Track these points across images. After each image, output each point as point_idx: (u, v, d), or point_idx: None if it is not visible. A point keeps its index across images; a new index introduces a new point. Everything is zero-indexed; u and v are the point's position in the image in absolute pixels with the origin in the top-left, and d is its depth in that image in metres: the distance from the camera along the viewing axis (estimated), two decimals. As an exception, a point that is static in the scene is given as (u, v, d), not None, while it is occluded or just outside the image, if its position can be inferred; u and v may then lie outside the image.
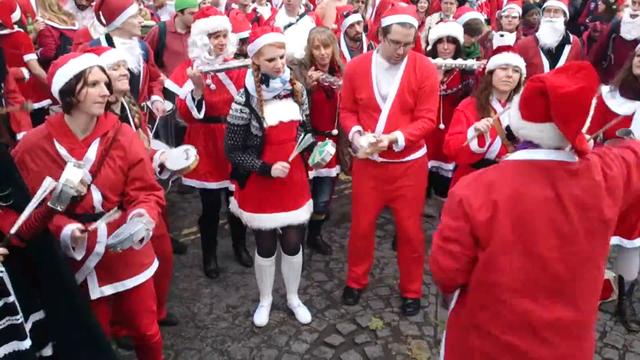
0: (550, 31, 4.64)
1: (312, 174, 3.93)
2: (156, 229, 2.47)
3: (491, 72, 3.29)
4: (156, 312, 2.86)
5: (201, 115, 3.63)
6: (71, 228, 2.28)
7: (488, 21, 6.42)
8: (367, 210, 3.62)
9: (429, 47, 4.33)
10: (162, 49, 4.93)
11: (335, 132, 3.90)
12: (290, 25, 5.13)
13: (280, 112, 3.14)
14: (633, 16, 4.91)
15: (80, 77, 2.27)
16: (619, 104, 3.33)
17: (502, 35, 4.45)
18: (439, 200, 4.56)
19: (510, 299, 1.80)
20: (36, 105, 4.76)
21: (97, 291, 2.53)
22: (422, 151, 3.54)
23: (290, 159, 3.15)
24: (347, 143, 3.99)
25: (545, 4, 4.90)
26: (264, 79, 3.06)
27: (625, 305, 3.69)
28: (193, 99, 3.58)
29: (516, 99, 1.84)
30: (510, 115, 1.87)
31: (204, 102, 3.62)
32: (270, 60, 3.01)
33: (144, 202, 2.45)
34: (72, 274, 2.37)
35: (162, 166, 3.17)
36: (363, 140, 3.22)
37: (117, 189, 2.45)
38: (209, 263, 4.22)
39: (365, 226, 3.66)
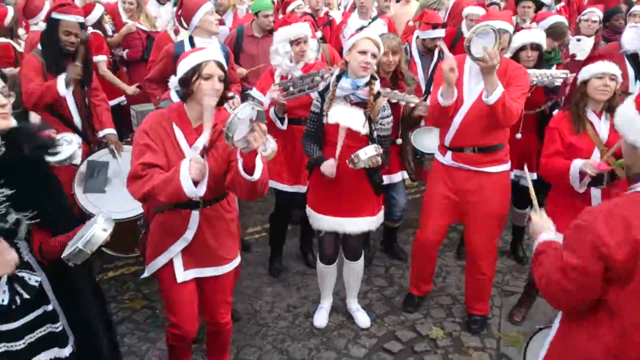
0: (634, 36, 4.39)
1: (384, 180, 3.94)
2: None
3: (585, 82, 3.11)
4: (231, 303, 2.99)
5: (284, 127, 3.76)
6: (188, 159, 2.32)
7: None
8: (434, 216, 3.52)
9: (510, 55, 4.13)
10: (239, 52, 5.08)
11: (399, 141, 3.85)
12: (362, 28, 5.13)
13: (343, 115, 3.15)
14: None
15: (196, 69, 2.44)
16: None
17: (579, 40, 4.26)
18: (515, 212, 4.37)
19: None
20: (111, 103, 4.91)
21: (182, 274, 2.68)
22: (504, 166, 3.37)
23: (336, 155, 3.12)
24: (412, 150, 3.97)
25: (632, 9, 4.65)
26: (339, 77, 3.12)
27: None
28: (276, 113, 3.71)
29: None
30: None
31: (285, 113, 3.74)
32: (363, 52, 3.04)
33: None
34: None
35: None
36: (480, 43, 2.93)
37: (218, 178, 2.54)
38: (274, 261, 4.32)
39: (429, 233, 3.56)
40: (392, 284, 4.16)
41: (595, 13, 5.06)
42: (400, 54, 3.76)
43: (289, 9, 5.71)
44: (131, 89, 5.31)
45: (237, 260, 2.85)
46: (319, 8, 6.39)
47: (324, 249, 3.56)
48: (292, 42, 3.74)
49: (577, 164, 2.97)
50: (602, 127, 3.10)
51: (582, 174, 2.95)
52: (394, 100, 3.56)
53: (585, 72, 3.10)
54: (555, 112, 3.52)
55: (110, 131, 4.06)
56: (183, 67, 2.48)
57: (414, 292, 3.85)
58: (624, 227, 1.62)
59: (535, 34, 3.93)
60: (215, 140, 2.51)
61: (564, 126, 3.14)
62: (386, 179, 3.98)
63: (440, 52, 4.62)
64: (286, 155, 3.90)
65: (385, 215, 4.35)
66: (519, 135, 3.71)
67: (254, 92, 3.99)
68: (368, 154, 3.01)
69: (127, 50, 5.56)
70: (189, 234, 2.62)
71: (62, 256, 2.08)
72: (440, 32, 4.56)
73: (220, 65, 2.49)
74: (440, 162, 3.46)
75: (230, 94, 4.22)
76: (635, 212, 1.64)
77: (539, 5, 5.89)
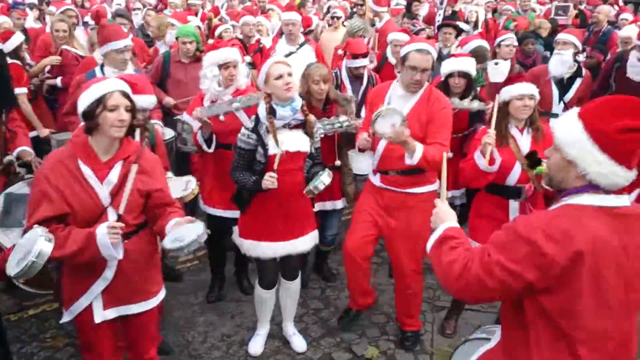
0: (558, 63, 4.70)
1: (317, 207, 3.96)
2: None
3: (507, 103, 3.29)
4: (156, 338, 2.88)
5: (212, 150, 3.71)
6: (104, 226, 2.33)
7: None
8: (360, 227, 3.55)
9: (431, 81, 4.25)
10: (166, 78, 5.04)
11: (337, 163, 3.90)
12: (290, 54, 5.24)
13: (287, 141, 3.15)
14: None
15: (100, 100, 2.35)
16: None
17: (496, 64, 4.50)
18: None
19: (585, 353, 1.72)
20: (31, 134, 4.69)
21: (101, 315, 2.56)
22: (430, 187, 3.47)
23: (275, 167, 3.08)
24: (350, 174, 4.01)
25: (557, 37, 4.99)
26: (272, 109, 3.09)
27: None
28: (202, 135, 3.67)
29: (593, 152, 1.69)
30: (597, 172, 1.71)
31: (214, 135, 3.69)
32: (279, 77, 3.05)
33: (174, 213, 2.54)
34: None
35: None
36: (387, 119, 3.09)
37: (134, 211, 2.49)
38: (213, 288, 4.23)
39: (354, 242, 3.55)
40: (328, 305, 4.16)
41: (514, 38, 5.39)
42: (330, 81, 3.83)
43: (217, 33, 5.74)
44: (44, 132, 4.96)
45: (162, 293, 2.76)
46: (251, 35, 6.47)
47: (264, 274, 3.50)
48: (220, 67, 3.74)
49: (478, 153, 3.15)
50: (523, 142, 3.29)
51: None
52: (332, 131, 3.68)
53: (506, 93, 3.29)
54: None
55: (24, 148, 3.86)
56: (86, 99, 2.38)
57: (352, 305, 3.85)
58: (564, 238, 1.66)
59: (464, 62, 4.09)
60: (127, 173, 2.45)
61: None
62: (329, 205, 4.04)
63: (370, 78, 4.76)
64: (217, 178, 3.85)
65: (319, 239, 4.40)
66: (450, 154, 3.83)
67: (185, 116, 3.94)
68: (326, 182, 3.08)
69: (61, 78, 5.37)
70: (109, 273, 2.50)
71: (12, 274, 2.07)
72: (364, 61, 4.66)
73: (125, 94, 2.42)
74: (371, 182, 3.56)
75: (153, 121, 4.20)
76: (575, 224, 1.68)
77: (459, 31, 6.22)
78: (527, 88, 3.26)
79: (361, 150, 3.53)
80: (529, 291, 1.73)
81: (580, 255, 1.64)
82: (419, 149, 3.14)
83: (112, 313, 2.58)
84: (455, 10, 7.27)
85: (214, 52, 3.79)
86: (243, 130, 3.18)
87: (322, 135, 3.58)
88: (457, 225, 2.03)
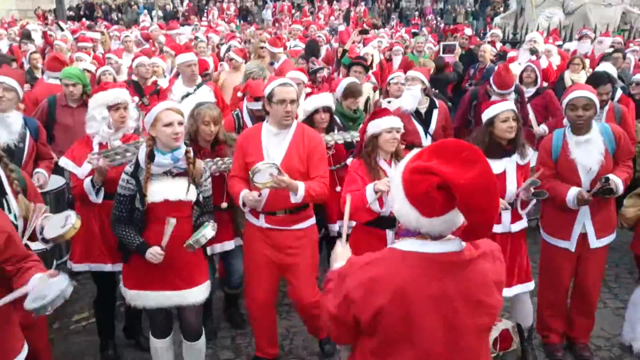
0: (407, 98, 4.92)
1: (216, 249, 3.83)
2: (26, 317, 2.23)
3: (376, 136, 3.37)
4: None
5: (99, 200, 3.46)
6: None
7: (380, 90, 6.80)
8: (257, 276, 3.51)
9: (303, 118, 4.25)
10: (52, 123, 4.72)
11: (224, 205, 3.74)
12: (188, 95, 5.11)
13: (168, 190, 3.01)
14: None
15: None
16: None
17: (389, 102, 4.67)
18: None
19: None
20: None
21: None
22: (312, 221, 3.56)
23: (163, 243, 2.95)
24: (241, 213, 3.90)
25: (407, 74, 5.28)
26: (152, 154, 2.96)
27: (527, 352, 3.80)
28: (93, 184, 3.41)
29: (400, 196, 1.68)
30: (398, 212, 1.71)
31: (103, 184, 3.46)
32: (168, 124, 2.93)
33: (34, 268, 2.31)
34: None
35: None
36: (264, 172, 3.13)
37: None
38: (106, 349, 3.87)
39: (256, 293, 3.53)
40: (239, 354, 3.97)
41: (402, 77, 5.63)
42: (220, 123, 3.76)
43: (97, 75, 5.56)
44: None
45: (25, 351, 2.44)
46: (147, 76, 6.28)
47: (154, 323, 3.28)
48: (110, 108, 3.57)
49: (370, 185, 3.20)
50: (392, 173, 3.35)
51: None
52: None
53: (375, 127, 3.36)
54: None
55: None
56: None
57: (259, 354, 3.72)
58: (371, 290, 1.66)
59: (324, 98, 4.26)
60: None
61: (363, 171, 3.36)
62: (219, 248, 3.88)
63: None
64: (103, 231, 3.58)
65: (225, 282, 4.24)
66: (338, 188, 3.88)
67: (63, 160, 3.63)
68: (208, 236, 2.96)
69: None
70: None
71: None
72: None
73: None
74: (254, 224, 3.49)
75: (36, 170, 3.89)
76: (388, 273, 1.66)
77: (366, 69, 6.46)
78: (394, 121, 3.38)
79: (252, 211, 3.47)
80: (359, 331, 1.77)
81: (381, 310, 1.65)
82: (302, 186, 3.24)
83: None
84: (346, 50, 7.58)
85: (102, 92, 3.63)
86: (123, 175, 3.03)
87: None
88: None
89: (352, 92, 4.85)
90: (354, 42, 8.50)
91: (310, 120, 4.18)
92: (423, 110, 4.96)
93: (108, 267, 3.64)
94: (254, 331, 3.72)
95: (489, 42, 10.30)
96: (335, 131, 4.26)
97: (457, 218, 1.65)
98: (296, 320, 4.38)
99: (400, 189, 1.67)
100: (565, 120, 3.69)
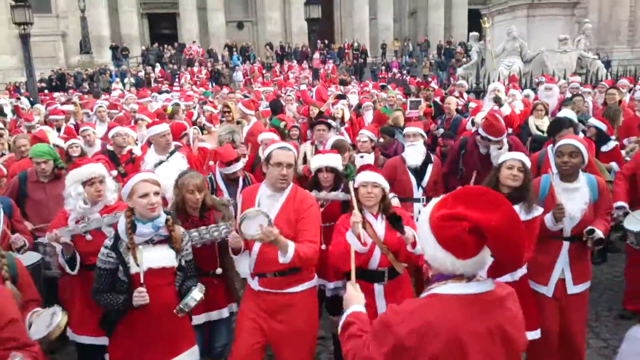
0: (413, 153, 5.12)
1: (202, 318, 3.76)
2: None
3: (356, 189, 3.44)
4: None
5: (75, 272, 3.47)
6: None
7: (354, 146, 6.94)
8: (244, 335, 3.36)
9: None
10: (23, 199, 4.67)
11: (219, 271, 3.76)
12: (161, 162, 5.13)
13: (152, 258, 3.01)
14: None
15: None
16: None
17: (362, 157, 4.78)
18: (330, 320, 4.42)
19: None
20: None
21: None
22: (308, 284, 3.43)
23: (141, 280, 2.92)
24: (238, 278, 3.88)
25: (405, 130, 5.44)
26: (133, 225, 2.97)
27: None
28: (63, 255, 3.42)
29: (431, 243, 1.80)
30: (432, 258, 1.83)
31: (78, 254, 3.48)
32: (144, 195, 2.96)
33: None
34: None
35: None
36: (254, 222, 3.05)
37: None
38: None
39: (240, 354, 3.33)
40: None
41: (365, 134, 5.79)
42: (205, 190, 3.78)
43: (65, 148, 5.58)
44: None
45: None
46: (124, 145, 6.28)
47: None
48: (84, 183, 3.59)
49: (349, 233, 3.19)
50: (379, 227, 3.41)
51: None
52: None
53: (356, 181, 3.46)
54: None
55: None
56: None
57: None
58: (423, 336, 1.73)
59: (330, 158, 4.30)
60: None
61: (349, 225, 3.35)
62: (216, 315, 3.84)
63: (245, 179, 4.77)
64: (85, 304, 3.53)
65: (206, 351, 4.12)
66: (323, 247, 3.87)
67: (46, 238, 3.59)
68: (197, 299, 2.97)
69: None
70: None
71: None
72: (238, 165, 4.65)
73: None
74: (250, 286, 3.46)
75: (20, 244, 3.83)
76: (439, 317, 1.74)
77: (329, 127, 6.59)
78: (368, 176, 3.43)
79: (235, 252, 3.45)
80: None
81: (438, 354, 1.71)
82: (291, 246, 3.16)
83: None
84: (322, 111, 7.82)
85: (76, 170, 3.66)
86: (102, 249, 3.02)
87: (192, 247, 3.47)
88: (362, 309, 2.14)
89: (337, 148, 4.89)
90: (332, 104, 8.78)
91: (315, 178, 4.24)
92: (419, 164, 5.09)
93: (90, 340, 3.57)
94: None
95: (456, 93, 10.72)
96: (339, 191, 4.21)
97: (487, 257, 1.78)
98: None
99: (430, 237, 1.80)
100: (553, 167, 3.82)
